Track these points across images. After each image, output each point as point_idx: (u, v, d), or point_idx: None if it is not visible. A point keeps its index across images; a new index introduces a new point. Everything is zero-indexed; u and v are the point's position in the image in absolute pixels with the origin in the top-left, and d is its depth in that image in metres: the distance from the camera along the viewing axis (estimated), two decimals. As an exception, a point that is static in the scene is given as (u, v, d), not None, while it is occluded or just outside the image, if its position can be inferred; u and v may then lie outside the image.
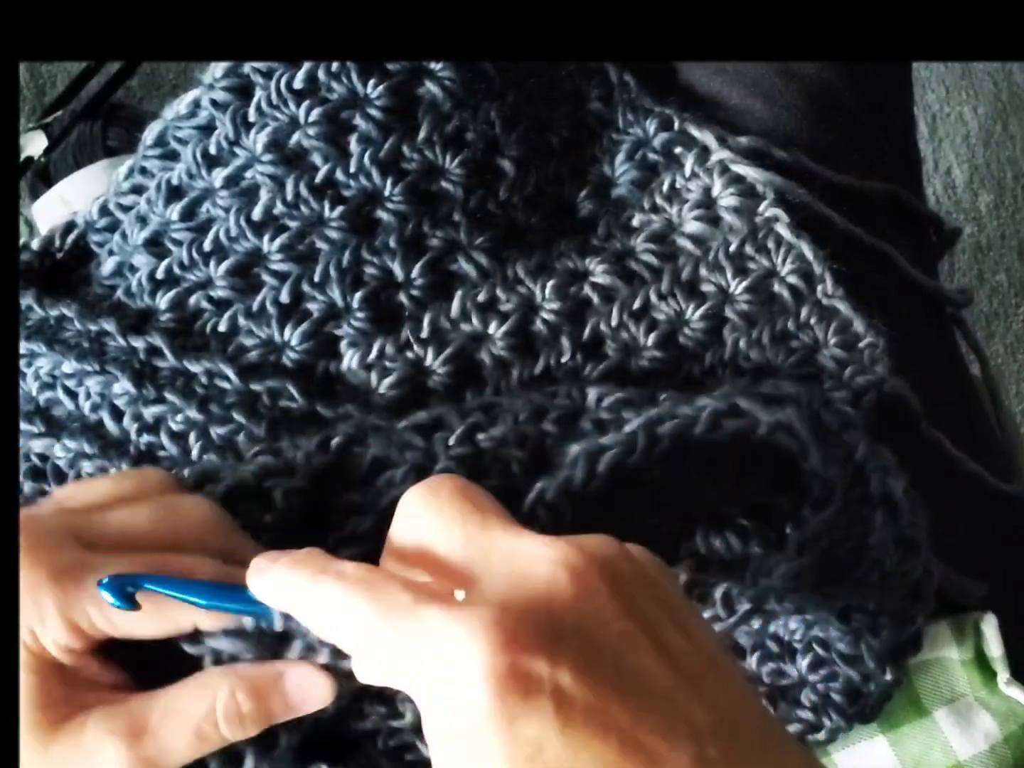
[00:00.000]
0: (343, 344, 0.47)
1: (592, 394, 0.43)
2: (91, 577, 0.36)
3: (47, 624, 0.35)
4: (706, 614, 0.40)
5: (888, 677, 0.44)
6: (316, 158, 0.48)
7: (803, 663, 0.45)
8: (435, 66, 0.49)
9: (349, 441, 0.42)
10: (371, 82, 0.48)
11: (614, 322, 0.49)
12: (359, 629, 0.33)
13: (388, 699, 0.41)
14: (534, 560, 0.33)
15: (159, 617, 0.36)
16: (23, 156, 1.03)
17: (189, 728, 0.35)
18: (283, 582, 0.35)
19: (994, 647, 0.48)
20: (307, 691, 0.36)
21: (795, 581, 0.41)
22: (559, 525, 0.39)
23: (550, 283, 0.49)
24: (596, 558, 0.33)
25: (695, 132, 0.53)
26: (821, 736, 0.45)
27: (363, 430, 0.43)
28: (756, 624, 0.45)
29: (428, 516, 0.35)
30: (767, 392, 0.43)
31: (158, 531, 0.38)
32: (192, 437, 0.45)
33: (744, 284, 0.50)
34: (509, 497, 0.38)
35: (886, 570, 0.42)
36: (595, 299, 0.49)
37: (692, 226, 0.51)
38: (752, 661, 0.44)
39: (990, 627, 0.48)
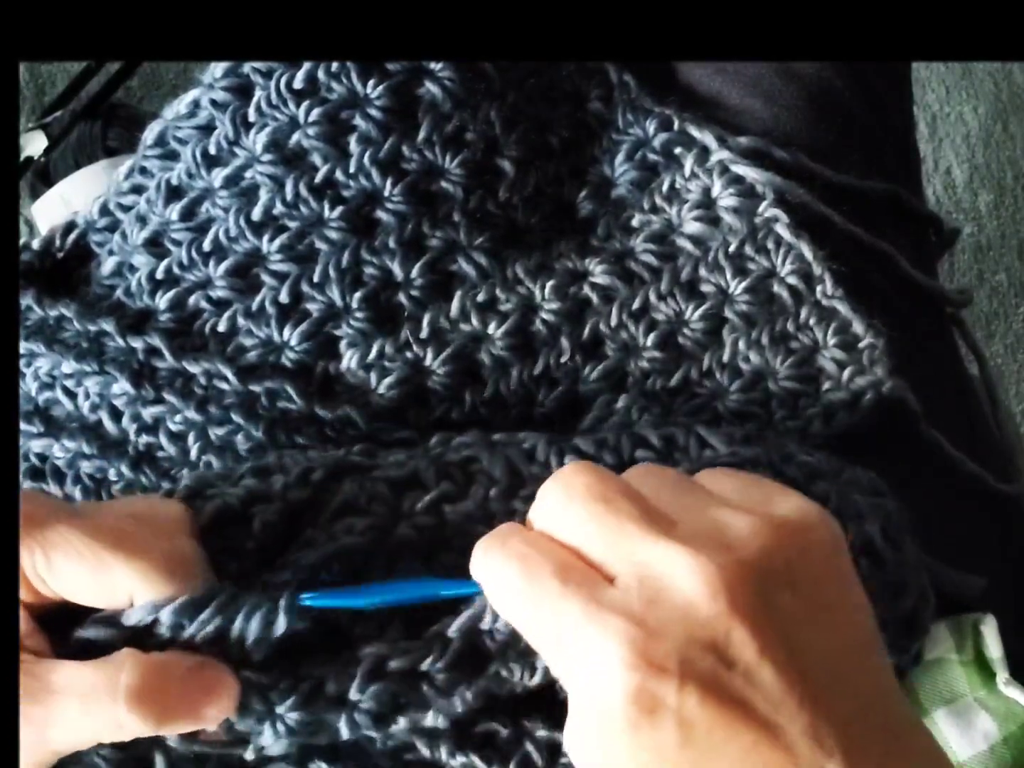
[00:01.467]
0: (342, 344, 0.47)
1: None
2: (55, 524, 0.35)
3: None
4: None
5: None
6: (316, 158, 0.48)
7: None
8: (435, 66, 0.49)
9: (328, 477, 0.42)
10: (371, 82, 0.48)
11: (613, 322, 0.49)
12: (512, 612, 0.35)
13: None
14: (674, 570, 0.33)
15: (99, 582, 0.36)
16: (23, 156, 1.03)
17: (81, 695, 0.34)
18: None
19: (993, 648, 0.48)
20: (216, 697, 0.36)
21: None
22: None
23: (549, 283, 0.49)
24: (742, 567, 0.33)
25: (695, 132, 0.53)
26: None
27: (342, 468, 0.42)
28: None
29: (565, 514, 0.35)
30: (726, 461, 0.42)
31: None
32: (191, 438, 0.45)
33: (743, 284, 0.50)
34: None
35: (879, 616, 0.42)
36: (595, 299, 0.49)
37: (692, 226, 0.51)
38: None
39: (989, 628, 0.48)
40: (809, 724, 0.32)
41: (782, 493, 0.36)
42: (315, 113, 0.48)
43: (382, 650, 0.37)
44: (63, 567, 0.35)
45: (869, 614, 0.35)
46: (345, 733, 0.37)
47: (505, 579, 0.35)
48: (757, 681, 0.32)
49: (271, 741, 0.37)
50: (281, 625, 0.36)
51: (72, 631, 0.37)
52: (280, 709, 0.36)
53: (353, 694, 0.36)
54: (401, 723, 0.38)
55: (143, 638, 0.36)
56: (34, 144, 1.04)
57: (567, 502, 0.35)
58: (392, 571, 0.40)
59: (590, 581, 0.33)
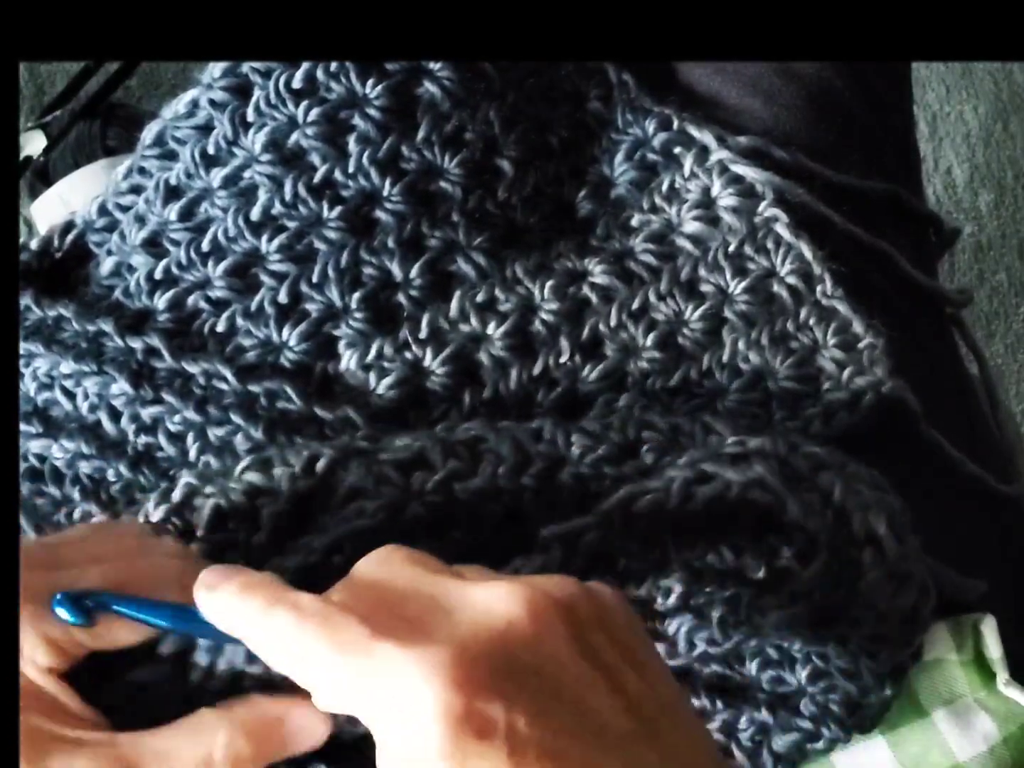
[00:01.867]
0: (341, 344, 0.47)
1: (576, 446, 0.43)
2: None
3: (24, 642, 0.34)
4: (703, 635, 0.41)
5: (887, 692, 0.44)
6: (315, 158, 0.48)
7: (803, 673, 0.44)
8: (434, 66, 0.49)
9: (333, 464, 0.42)
10: (370, 82, 0.48)
11: (613, 322, 0.49)
12: (314, 664, 0.32)
13: None
14: (492, 600, 0.32)
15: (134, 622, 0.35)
16: (22, 156, 1.03)
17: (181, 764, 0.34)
18: (234, 607, 0.34)
19: (993, 648, 0.48)
20: (307, 732, 0.36)
21: (789, 624, 0.41)
22: None
23: (549, 283, 0.49)
24: (555, 598, 0.33)
25: (694, 132, 0.53)
26: (820, 745, 0.45)
27: (347, 454, 0.42)
28: (752, 641, 0.44)
29: (384, 571, 0.34)
30: (732, 451, 0.42)
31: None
32: (190, 438, 0.45)
33: (743, 284, 0.50)
34: (475, 553, 0.38)
35: (880, 608, 0.42)
36: (594, 299, 0.49)
37: (691, 226, 0.51)
38: (752, 668, 0.44)
39: (989, 628, 0.48)
40: (644, 741, 0.31)
41: None
42: (314, 113, 0.48)
43: None
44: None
45: (673, 680, 0.35)
46: None
47: (304, 640, 0.32)
48: (586, 702, 0.31)
49: None
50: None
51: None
52: None
53: None
54: None
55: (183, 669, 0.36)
56: (33, 144, 1.03)
57: (391, 567, 0.34)
58: None
59: (401, 623, 0.32)
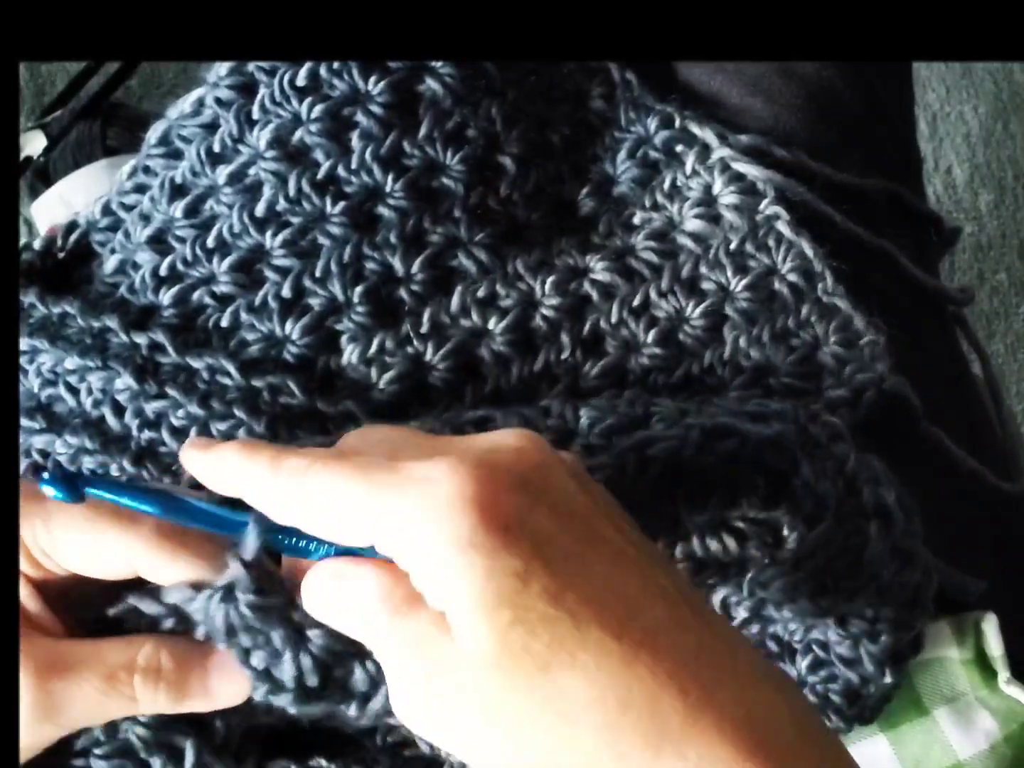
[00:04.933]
0: (344, 339, 0.47)
1: (584, 418, 0.43)
2: (50, 511, 0.36)
3: None
4: None
5: (888, 680, 0.44)
6: (318, 154, 0.48)
7: (802, 664, 0.45)
8: (436, 63, 0.49)
9: None
10: (372, 79, 0.48)
11: (614, 319, 0.49)
12: (334, 498, 0.32)
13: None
14: (499, 437, 0.34)
15: (97, 551, 0.37)
16: (22, 156, 1.03)
17: (102, 672, 0.36)
18: (238, 464, 0.34)
19: (994, 646, 0.48)
20: (227, 679, 0.37)
21: (792, 594, 0.41)
22: None
23: (550, 279, 0.49)
24: (553, 449, 0.34)
25: (696, 130, 0.53)
26: None
27: None
28: (755, 628, 0.45)
29: (374, 433, 0.36)
30: (753, 410, 0.43)
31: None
32: (193, 432, 0.45)
33: (744, 282, 0.50)
34: None
35: (883, 581, 0.42)
36: (595, 296, 0.49)
37: (693, 224, 0.51)
38: None
39: (990, 626, 0.48)
40: (657, 567, 0.32)
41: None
42: (317, 110, 0.48)
43: None
44: (64, 537, 0.36)
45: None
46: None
47: (327, 477, 0.33)
48: (596, 525, 0.32)
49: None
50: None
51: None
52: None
53: None
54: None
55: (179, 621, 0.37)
56: (33, 144, 1.03)
57: (367, 428, 0.36)
58: None
59: (417, 452, 0.33)
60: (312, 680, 0.36)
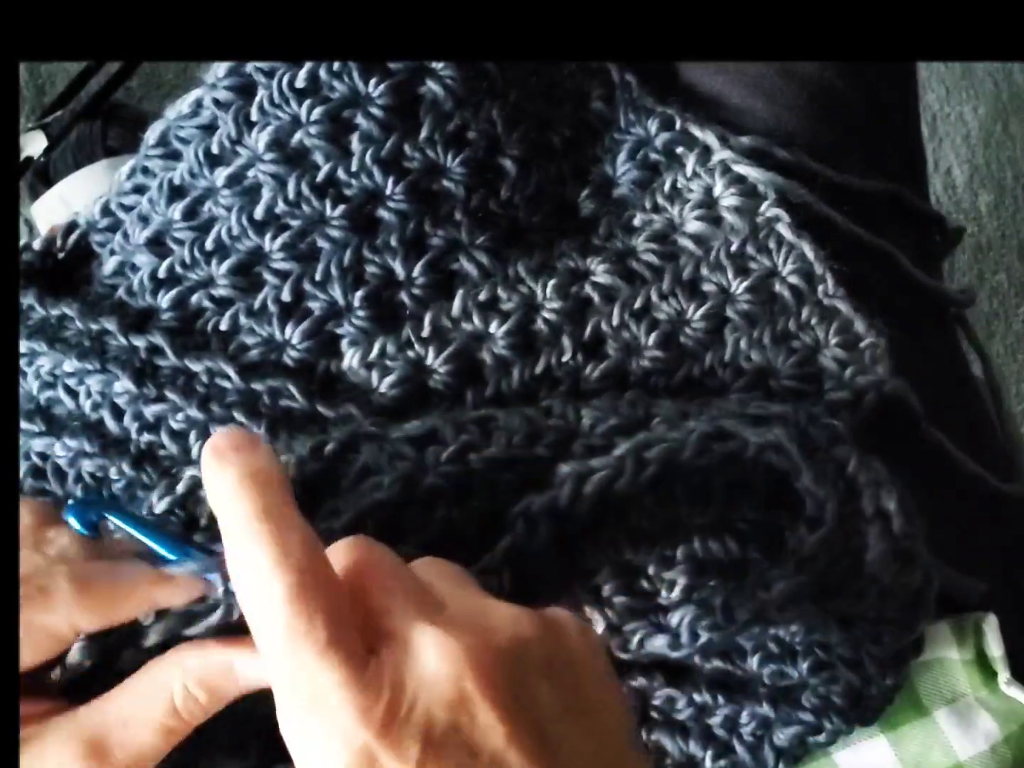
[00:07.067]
0: (344, 343, 0.47)
1: (587, 418, 0.43)
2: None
3: None
4: (705, 622, 0.41)
5: (889, 682, 0.44)
6: (318, 157, 0.48)
7: (804, 665, 0.45)
8: (436, 65, 0.49)
9: (342, 448, 0.42)
10: (372, 81, 0.48)
11: (615, 322, 0.49)
12: (263, 620, 0.32)
13: None
14: (423, 649, 0.31)
15: (117, 602, 0.36)
16: (23, 156, 1.03)
17: (151, 730, 0.35)
18: (233, 493, 0.33)
19: (995, 647, 0.48)
20: (254, 671, 0.35)
21: (793, 597, 0.41)
22: (534, 540, 0.40)
23: (551, 282, 0.49)
24: (496, 651, 0.31)
25: (697, 132, 0.53)
26: (821, 738, 0.45)
27: (356, 437, 0.43)
28: (755, 630, 0.45)
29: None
30: (754, 413, 0.43)
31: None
32: (192, 436, 0.45)
33: (745, 284, 0.50)
34: (492, 520, 0.38)
35: (884, 584, 0.42)
36: (596, 298, 0.49)
37: (693, 226, 0.51)
38: (753, 662, 0.44)
39: (991, 627, 0.48)
40: None
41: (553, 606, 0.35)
42: (317, 112, 0.48)
43: None
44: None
45: (628, 722, 0.34)
46: None
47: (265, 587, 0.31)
48: (506, 760, 0.30)
49: None
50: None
51: None
52: None
53: None
54: None
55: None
56: (34, 144, 1.03)
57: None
58: (429, 521, 0.41)
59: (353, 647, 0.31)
60: None
